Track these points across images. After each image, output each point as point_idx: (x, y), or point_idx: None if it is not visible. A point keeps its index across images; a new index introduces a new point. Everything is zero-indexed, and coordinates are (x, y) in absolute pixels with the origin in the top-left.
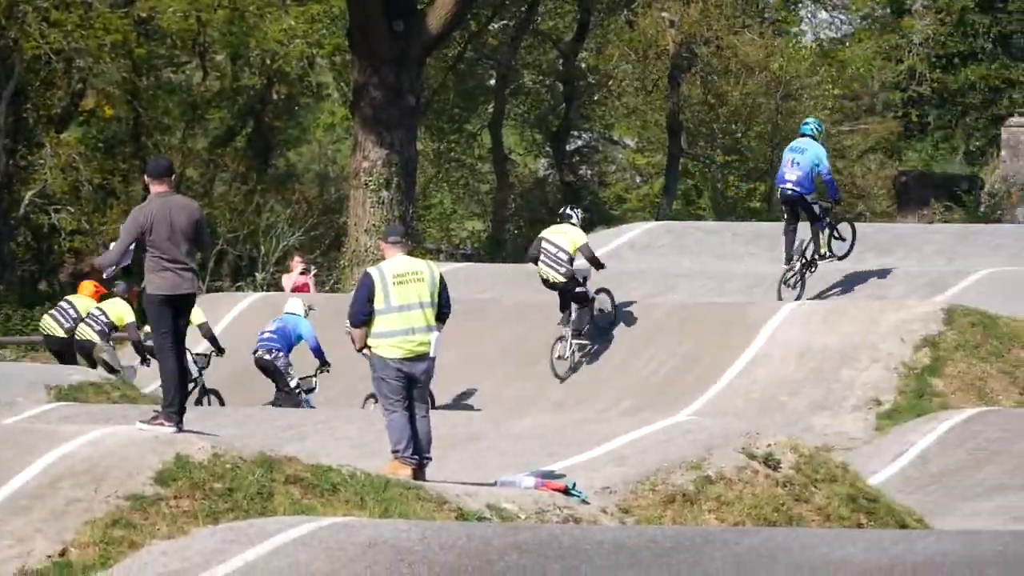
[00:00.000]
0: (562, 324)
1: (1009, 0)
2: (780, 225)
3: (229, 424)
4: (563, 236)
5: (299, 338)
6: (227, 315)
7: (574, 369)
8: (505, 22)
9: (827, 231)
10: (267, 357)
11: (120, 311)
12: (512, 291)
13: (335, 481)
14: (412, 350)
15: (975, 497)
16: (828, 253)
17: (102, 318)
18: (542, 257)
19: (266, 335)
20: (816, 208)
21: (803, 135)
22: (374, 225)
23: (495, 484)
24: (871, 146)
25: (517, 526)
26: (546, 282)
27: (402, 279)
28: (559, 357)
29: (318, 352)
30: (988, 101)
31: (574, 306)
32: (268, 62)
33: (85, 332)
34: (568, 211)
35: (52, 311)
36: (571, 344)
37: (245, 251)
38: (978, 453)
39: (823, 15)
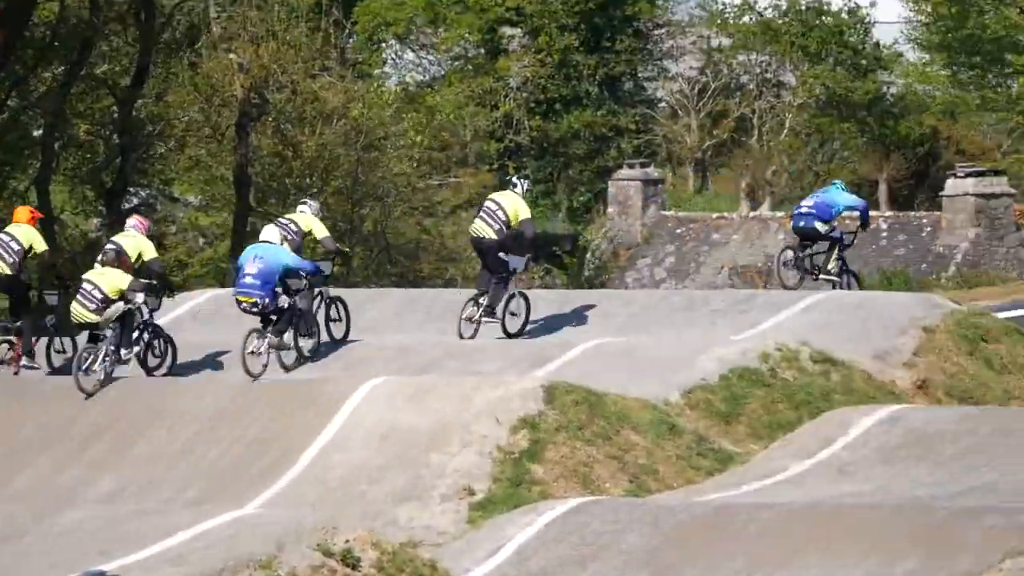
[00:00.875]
0: None
1: (616, 39)
2: (358, 291)
3: None
4: (506, 199)
5: (285, 270)
6: None
7: None
8: (56, 67)
9: (839, 260)
10: (254, 311)
11: (115, 281)
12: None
13: None
14: None
15: None
16: (829, 274)
17: (95, 293)
18: (480, 213)
19: (247, 279)
20: (834, 232)
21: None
22: None
23: None
24: (463, 202)
25: None
26: (475, 240)
27: None
28: None
29: (316, 272)
30: (594, 151)
31: None
32: None
33: (82, 314)
34: (515, 180)
35: None
36: None
37: None
38: (583, 549)
39: (409, 56)
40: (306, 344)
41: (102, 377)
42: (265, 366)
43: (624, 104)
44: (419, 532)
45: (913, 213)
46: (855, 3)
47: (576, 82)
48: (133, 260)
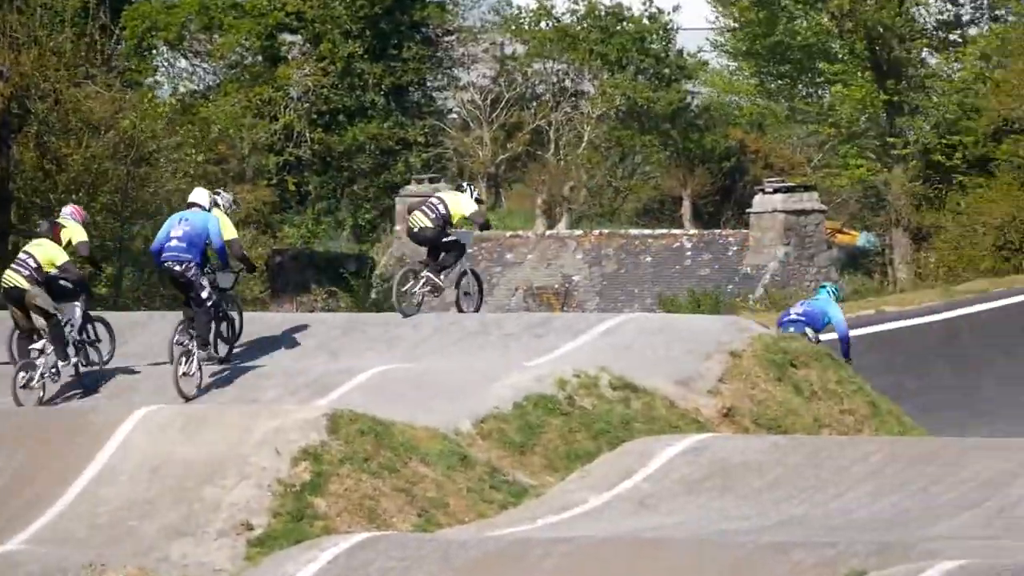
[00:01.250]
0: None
1: (404, 46)
2: (130, 314)
3: None
4: (451, 196)
5: (208, 239)
6: None
7: None
8: None
9: None
10: (177, 269)
11: (49, 253)
12: None
13: None
14: None
15: None
16: None
17: (30, 262)
18: (421, 207)
19: (173, 243)
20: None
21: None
22: None
23: None
24: (241, 219)
25: None
26: (411, 231)
27: None
28: None
29: (222, 254)
30: (380, 166)
31: None
32: None
33: (12, 279)
34: (464, 185)
35: None
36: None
37: None
38: None
39: (182, 63)
40: (223, 349)
41: (43, 395)
42: (199, 387)
43: (412, 115)
44: (194, 569)
45: (719, 231)
46: (657, 8)
47: (361, 92)
48: (63, 245)
